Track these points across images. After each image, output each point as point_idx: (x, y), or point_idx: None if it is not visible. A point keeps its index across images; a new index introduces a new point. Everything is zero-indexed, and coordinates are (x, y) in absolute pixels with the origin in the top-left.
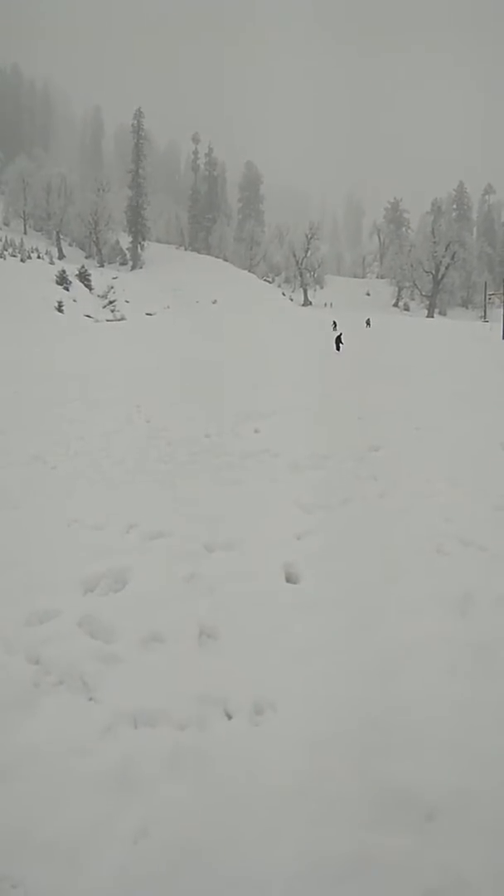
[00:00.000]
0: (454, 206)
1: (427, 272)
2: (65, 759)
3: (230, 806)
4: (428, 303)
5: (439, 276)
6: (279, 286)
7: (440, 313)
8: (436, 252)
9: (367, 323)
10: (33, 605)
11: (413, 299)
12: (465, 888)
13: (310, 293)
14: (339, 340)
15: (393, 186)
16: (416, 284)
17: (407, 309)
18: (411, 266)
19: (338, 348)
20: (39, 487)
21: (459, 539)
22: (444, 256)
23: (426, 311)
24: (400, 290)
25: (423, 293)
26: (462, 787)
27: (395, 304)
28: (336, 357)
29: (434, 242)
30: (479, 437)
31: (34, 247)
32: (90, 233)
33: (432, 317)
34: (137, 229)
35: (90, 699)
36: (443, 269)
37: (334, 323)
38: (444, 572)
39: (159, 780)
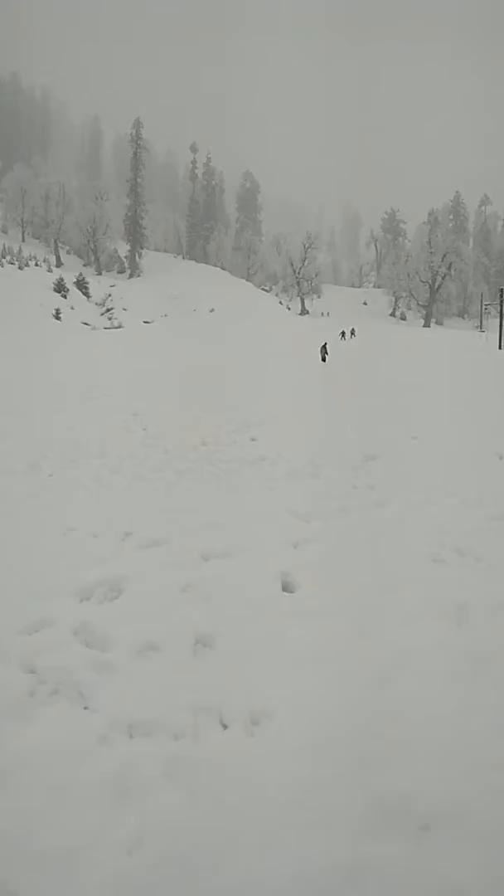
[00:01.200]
0: (451, 217)
1: (423, 282)
2: (60, 768)
3: (225, 815)
4: (424, 312)
5: (436, 286)
6: (276, 295)
7: (437, 323)
8: (432, 262)
9: (352, 332)
10: (29, 614)
11: (410, 309)
12: None
13: (307, 302)
14: (324, 350)
15: (390, 196)
16: (412, 294)
17: (404, 318)
18: (408, 276)
19: (323, 359)
20: (36, 495)
21: (455, 548)
22: (440, 267)
23: (423, 321)
24: (396, 299)
25: (420, 303)
26: (458, 796)
27: (392, 314)
28: (332, 367)
29: (430, 253)
30: (474, 447)
31: (32, 254)
32: (88, 241)
33: (429, 326)
34: (135, 238)
35: (85, 708)
36: (439, 279)
37: (342, 333)
38: (439, 582)
39: (155, 789)
